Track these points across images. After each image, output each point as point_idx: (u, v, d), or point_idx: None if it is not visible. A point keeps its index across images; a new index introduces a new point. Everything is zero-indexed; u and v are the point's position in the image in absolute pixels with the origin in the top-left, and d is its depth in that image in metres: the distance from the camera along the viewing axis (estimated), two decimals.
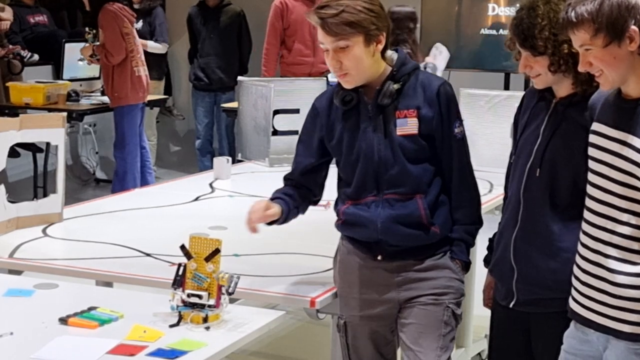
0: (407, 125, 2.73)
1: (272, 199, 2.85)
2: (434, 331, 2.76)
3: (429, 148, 2.75)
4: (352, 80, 2.72)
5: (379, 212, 2.75)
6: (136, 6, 8.12)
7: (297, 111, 4.68)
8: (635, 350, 2.28)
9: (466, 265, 2.84)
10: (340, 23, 2.62)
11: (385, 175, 2.74)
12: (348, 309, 2.86)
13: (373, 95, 2.74)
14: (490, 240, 2.85)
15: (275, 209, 2.78)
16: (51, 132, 3.58)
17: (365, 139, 2.75)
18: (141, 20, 8.11)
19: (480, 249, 3.01)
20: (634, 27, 2.21)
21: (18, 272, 3.07)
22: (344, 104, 2.76)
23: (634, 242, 2.26)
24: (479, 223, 2.87)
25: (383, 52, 2.73)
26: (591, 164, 2.36)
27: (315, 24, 2.67)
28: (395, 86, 2.73)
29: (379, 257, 2.79)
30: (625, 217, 2.27)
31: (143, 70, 6.92)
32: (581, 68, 2.32)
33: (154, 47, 8.15)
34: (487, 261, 2.86)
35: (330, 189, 2.93)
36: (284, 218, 2.82)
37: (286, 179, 2.94)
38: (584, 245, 2.37)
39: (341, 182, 2.87)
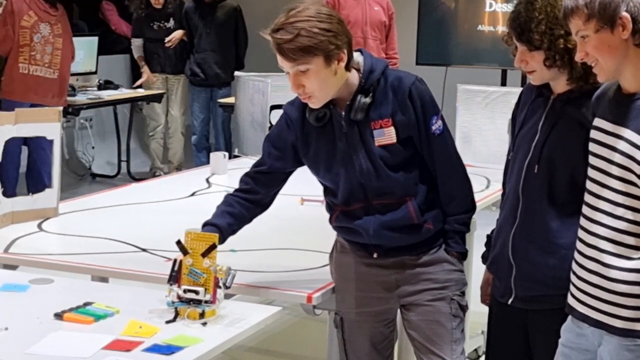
0: (384, 136, 2.67)
1: (206, 224, 2.71)
2: (445, 326, 2.76)
3: (410, 149, 2.70)
4: (317, 101, 2.65)
5: (370, 220, 2.72)
6: (158, 6, 8.05)
7: None
8: (628, 347, 2.28)
9: (463, 255, 2.83)
10: (296, 48, 2.51)
11: (371, 186, 2.70)
12: (344, 305, 2.85)
13: (345, 108, 2.68)
14: (488, 236, 2.85)
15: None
16: (47, 126, 3.57)
17: (343, 156, 2.70)
18: (172, 19, 8.08)
19: (477, 246, 3.00)
20: (625, 14, 2.22)
21: (13, 267, 3.05)
22: (318, 121, 2.70)
23: (629, 237, 2.26)
24: (472, 209, 2.85)
25: (347, 64, 2.63)
26: (590, 159, 2.36)
27: (272, 47, 2.57)
28: (367, 100, 2.65)
29: (375, 255, 2.78)
30: (620, 211, 2.26)
31: (38, 70, 6.46)
32: (578, 57, 2.33)
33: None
34: (484, 258, 2.85)
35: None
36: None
37: (246, 177, 2.84)
38: (581, 240, 2.37)
39: (326, 191, 2.82)
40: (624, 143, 2.24)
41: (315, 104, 2.66)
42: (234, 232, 2.77)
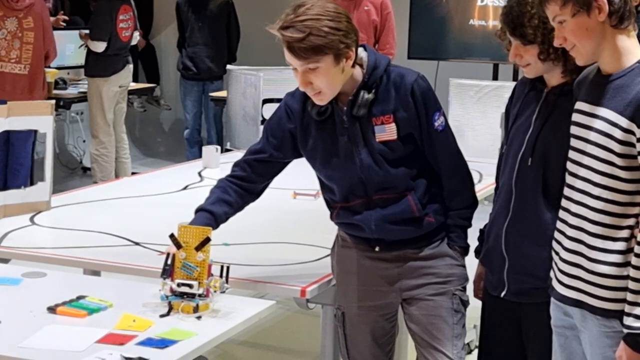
0: (386, 132, 2.67)
1: (201, 209, 2.72)
2: (446, 321, 2.76)
3: (411, 145, 2.70)
4: (325, 97, 2.64)
5: (371, 214, 2.72)
6: None
7: None
8: (607, 333, 2.30)
9: (465, 250, 2.83)
10: (308, 48, 2.51)
11: (371, 182, 2.70)
12: (346, 300, 2.84)
13: (347, 103, 2.67)
14: (481, 231, 2.85)
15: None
16: (39, 119, 3.58)
17: (344, 151, 2.70)
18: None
19: (470, 240, 3.00)
20: None
21: (5, 261, 3.05)
22: (319, 115, 2.70)
23: (607, 217, 2.28)
24: (475, 204, 2.85)
25: (354, 61, 2.63)
26: (571, 141, 2.39)
27: (280, 43, 2.56)
28: (370, 96, 2.65)
29: (377, 249, 2.78)
30: (597, 190, 2.29)
31: (3, 67, 6.22)
32: (556, 43, 2.35)
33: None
34: (477, 252, 2.86)
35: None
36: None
37: (244, 164, 2.83)
38: (562, 220, 2.39)
39: (324, 187, 2.82)
40: (600, 122, 2.27)
41: (322, 100, 2.65)
42: (227, 219, 2.76)
